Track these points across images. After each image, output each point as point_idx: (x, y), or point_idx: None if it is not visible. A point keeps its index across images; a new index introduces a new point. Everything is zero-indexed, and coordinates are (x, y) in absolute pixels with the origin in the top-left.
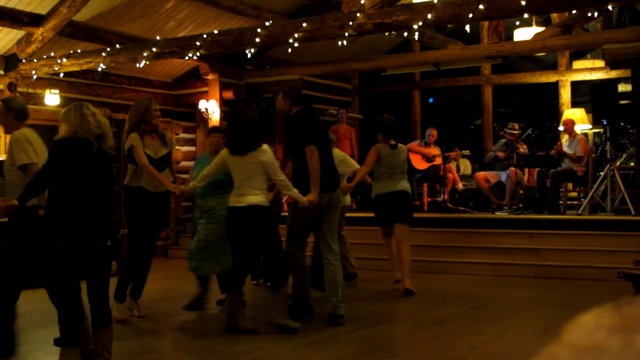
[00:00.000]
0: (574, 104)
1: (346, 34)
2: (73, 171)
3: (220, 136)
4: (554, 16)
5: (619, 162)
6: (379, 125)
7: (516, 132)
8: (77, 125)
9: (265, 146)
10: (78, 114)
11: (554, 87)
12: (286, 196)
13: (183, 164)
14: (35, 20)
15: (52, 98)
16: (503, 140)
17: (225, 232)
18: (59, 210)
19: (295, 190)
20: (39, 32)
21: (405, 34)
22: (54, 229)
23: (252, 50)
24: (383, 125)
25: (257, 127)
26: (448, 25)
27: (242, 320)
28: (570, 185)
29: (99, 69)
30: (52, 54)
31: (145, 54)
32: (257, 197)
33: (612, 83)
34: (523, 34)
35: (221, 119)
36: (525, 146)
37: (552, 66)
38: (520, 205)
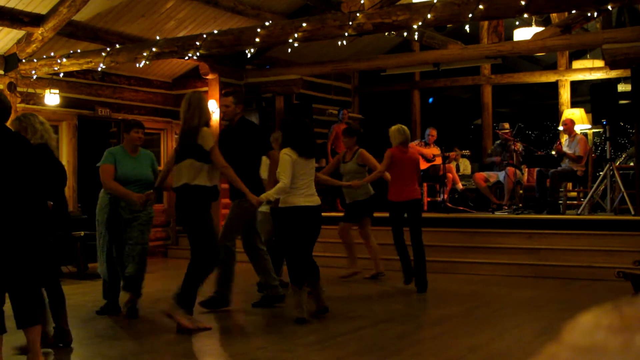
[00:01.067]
0: (574, 103)
1: (346, 34)
2: (58, 172)
3: (142, 131)
4: (554, 16)
5: (618, 162)
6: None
7: (507, 130)
8: (42, 131)
9: None
10: (38, 122)
11: (554, 87)
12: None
13: None
14: (35, 20)
15: (52, 98)
16: (497, 142)
17: (283, 230)
18: (54, 206)
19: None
20: (39, 32)
21: (405, 33)
22: (52, 223)
23: (252, 50)
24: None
25: None
26: (448, 25)
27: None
28: (569, 185)
29: (99, 69)
30: (52, 54)
31: (145, 54)
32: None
33: (612, 83)
34: (523, 33)
35: (221, 119)
36: (520, 145)
37: (552, 66)
38: (520, 205)
